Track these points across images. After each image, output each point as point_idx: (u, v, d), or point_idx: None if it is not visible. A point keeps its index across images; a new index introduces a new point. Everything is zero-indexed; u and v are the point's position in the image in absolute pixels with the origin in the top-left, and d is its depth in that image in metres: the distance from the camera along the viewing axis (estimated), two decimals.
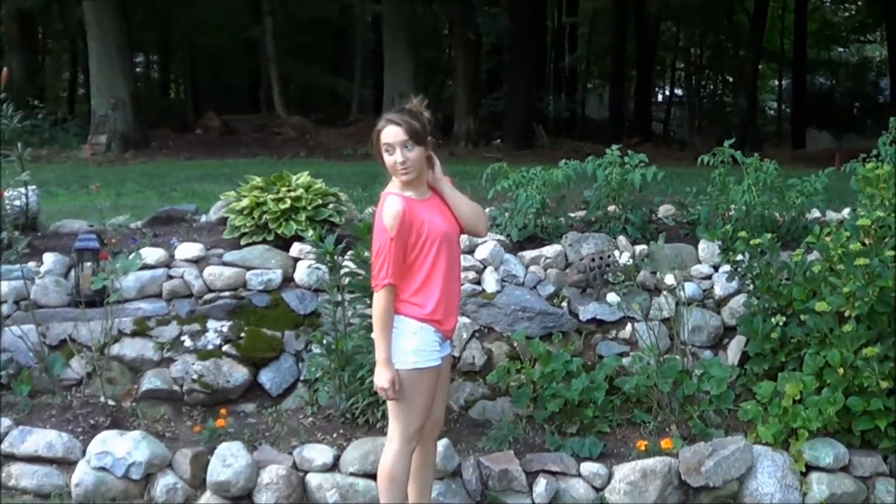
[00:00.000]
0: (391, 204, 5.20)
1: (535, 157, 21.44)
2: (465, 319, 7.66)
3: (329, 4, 39.95)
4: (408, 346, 5.30)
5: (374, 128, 5.37)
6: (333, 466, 6.56)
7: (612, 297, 7.85)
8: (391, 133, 5.26)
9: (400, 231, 5.15)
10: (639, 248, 8.27)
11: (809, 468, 6.55)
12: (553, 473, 6.60)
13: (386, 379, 5.26)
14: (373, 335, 5.40)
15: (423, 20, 38.12)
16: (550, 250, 8.24)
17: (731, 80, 45.76)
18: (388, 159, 5.27)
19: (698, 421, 7.04)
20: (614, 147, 8.82)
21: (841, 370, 6.56)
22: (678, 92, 48.29)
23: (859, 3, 42.21)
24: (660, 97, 50.44)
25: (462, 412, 7.44)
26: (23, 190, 8.59)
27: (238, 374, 7.52)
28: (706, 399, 7.17)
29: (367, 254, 6.49)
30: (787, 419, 6.60)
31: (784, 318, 7.16)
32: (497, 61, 39.55)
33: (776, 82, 48.47)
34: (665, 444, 6.73)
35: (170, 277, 7.95)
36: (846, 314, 6.66)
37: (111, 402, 7.25)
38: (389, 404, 5.43)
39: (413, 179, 5.33)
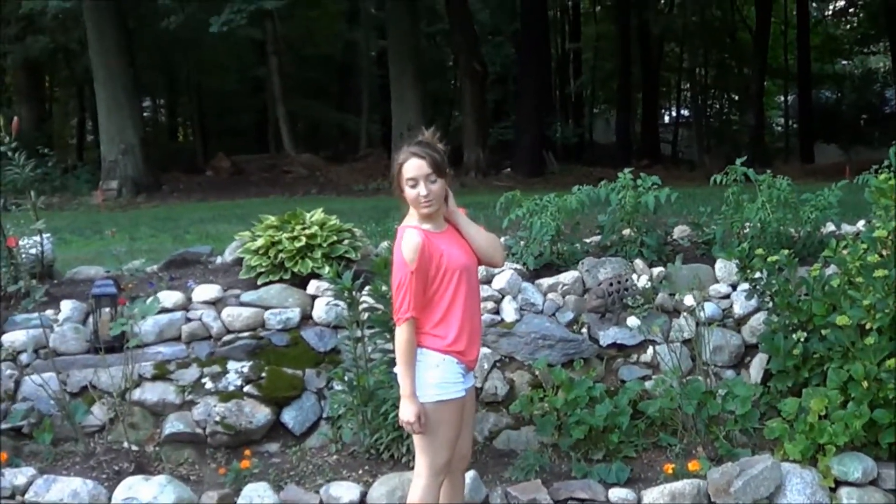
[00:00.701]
0: (410, 237, 5.18)
1: (546, 185, 21.48)
2: (485, 350, 7.64)
3: (334, 41, 40.21)
4: (431, 379, 5.25)
5: (396, 161, 5.32)
6: (361, 503, 6.54)
7: (631, 321, 7.83)
8: (415, 166, 5.22)
9: (420, 264, 5.13)
10: (656, 270, 8.25)
11: (839, 483, 6.48)
12: (581, 501, 6.57)
13: (412, 413, 5.20)
14: (396, 370, 5.35)
15: (428, 53, 38.27)
16: (568, 277, 8.23)
17: (736, 98, 45.79)
18: (411, 192, 5.22)
19: (724, 441, 7.00)
20: (626, 171, 8.82)
21: (865, 383, 6.52)
22: (685, 112, 48.32)
23: (860, 15, 42.23)
24: (666, 118, 50.53)
25: (487, 443, 7.41)
26: (37, 238, 8.61)
27: (260, 414, 7.50)
28: (731, 419, 7.13)
29: (384, 288, 6.49)
30: (814, 435, 6.55)
31: (805, 334, 7.13)
32: (503, 90, 39.72)
33: (782, 98, 48.47)
34: (692, 466, 6.69)
35: (188, 320, 7.95)
36: (867, 326, 6.62)
37: (134, 448, 7.24)
38: (416, 438, 5.38)
39: (434, 212, 5.31)
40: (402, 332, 5.24)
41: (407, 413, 5.23)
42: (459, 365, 5.30)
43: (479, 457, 7.15)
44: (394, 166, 5.33)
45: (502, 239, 8.56)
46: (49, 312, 7.89)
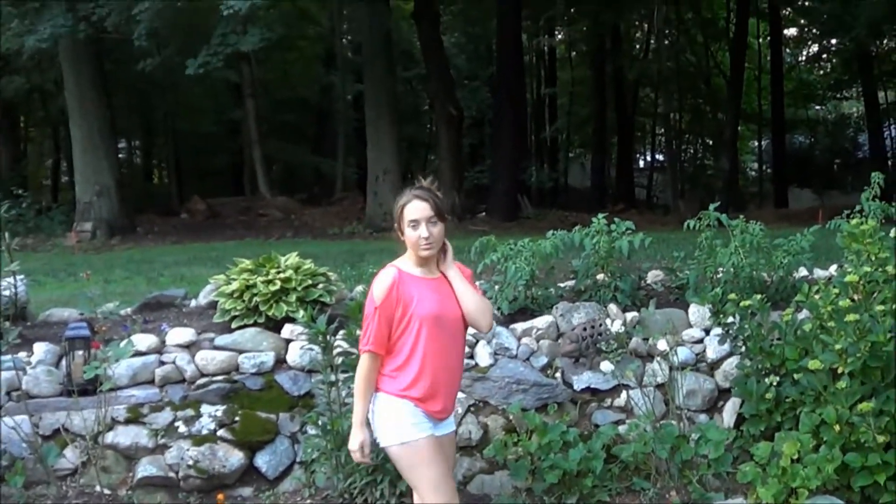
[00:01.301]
0: (383, 275, 5.24)
1: (521, 229, 21.52)
2: (459, 394, 7.62)
3: (310, 85, 40.31)
4: (388, 422, 5.27)
5: (398, 203, 5.35)
6: None
7: (605, 366, 7.85)
8: (418, 208, 5.25)
9: (385, 303, 5.16)
10: (630, 315, 8.28)
11: None
12: None
13: (356, 442, 5.28)
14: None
15: (405, 97, 38.40)
16: (542, 321, 8.25)
17: (711, 143, 46.08)
18: (412, 234, 5.25)
19: (698, 485, 7.03)
20: (600, 216, 8.85)
21: (837, 427, 6.55)
22: (659, 157, 48.57)
23: (834, 60, 42.59)
24: (641, 163, 50.76)
25: (461, 487, 7.38)
26: (11, 280, 8.58)
27: (234, 458, 7.47)
28: (704, 463, 7.15)
29: (359, 332, 6.50)
30: (787, 479, 6.57)
31: (778, 378, 7.17)
32: (479, 135, 39.90)
33: (756, 143, 48.81)
34: None
35: (162, 363, 7.92)
36: (839, 371, 6.65)
37: (107, 491, 7.22)
38: (412, 490, 5.42)
39: (431, 255, 5.34)
40: (360, 363, 5.34)
41: (352, 442, 5.31)
42: (417, 408, 5.29)
43: None
44: (395, 208, 5.34)
45: (478, 283, 8.59)
46: (22, 354, 7.85)
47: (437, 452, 5.35)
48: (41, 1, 22.88)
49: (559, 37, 45.14)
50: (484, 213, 27.51)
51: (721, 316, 7.54)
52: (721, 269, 8.49)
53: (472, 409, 7.77)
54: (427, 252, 5.27)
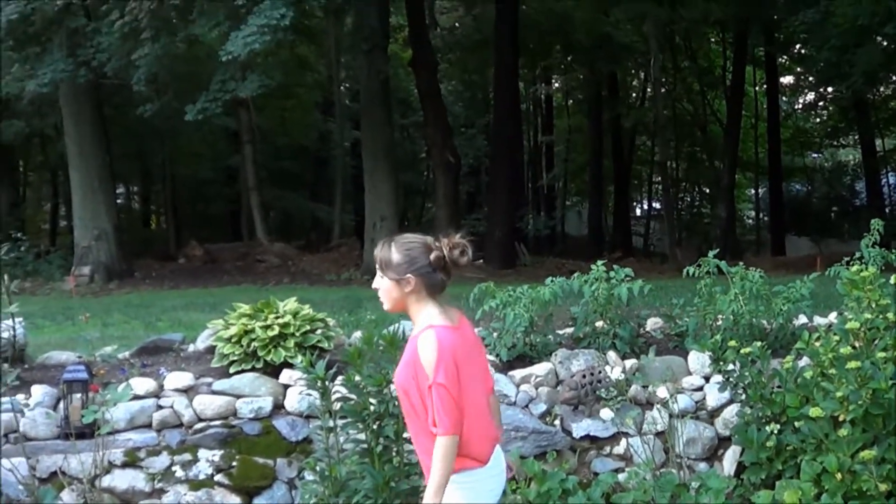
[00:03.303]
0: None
1: (518, 276, 21.51)
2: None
3: (308, 131, 40.46)
4: None
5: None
6: None
7: (605, 413, 7.82)
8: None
9: None
10: (629, 362, 8.26)
11: None
12: None
13: None
14: None
15: (402, 144, 38.54)
16: (541, 368, 8.22)
17: (707, 191, 46.17)
18: None
19: None
20: (600, 263, 8.86)
21: (839, 475, 6.51)
22: (656, 205, 48.67)
23: (830, 108, 42.78)
24: (638, 211, 50.88)
25: None
26: (10, 322, 8.57)
27: (231, 503, 7.44)
28: None
29: (357, 378, 6.47)
30: None
31: (778, 426, 7.14)
32: (476, 182, 40.03)
33: (752, 191, 48.91)
34: None
35: (160, 407, 7.89)
36: (841, 418, 6.63)
37: None
38: None
39: (389, 309, 5.13)
40: None
41: None
42: None
43: None
44: None
45: (477, 329, 8.59)
46: (20, 397, 7.82)
47: None
48: (42, 45, 23.00)
49: (556, 85, 45.43)
50: (481, 261, 27.49)
51: (721, 363, 7.51)
52: (721, 316, 8.48)
53: None
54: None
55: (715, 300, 8.58)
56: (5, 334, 8.55)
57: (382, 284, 5.05)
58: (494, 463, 5.08)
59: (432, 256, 4.98)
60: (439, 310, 5.02)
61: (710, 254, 8.73)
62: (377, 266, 5.04)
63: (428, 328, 4.88)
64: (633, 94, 44.55)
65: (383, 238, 5.20)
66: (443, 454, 4.79)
